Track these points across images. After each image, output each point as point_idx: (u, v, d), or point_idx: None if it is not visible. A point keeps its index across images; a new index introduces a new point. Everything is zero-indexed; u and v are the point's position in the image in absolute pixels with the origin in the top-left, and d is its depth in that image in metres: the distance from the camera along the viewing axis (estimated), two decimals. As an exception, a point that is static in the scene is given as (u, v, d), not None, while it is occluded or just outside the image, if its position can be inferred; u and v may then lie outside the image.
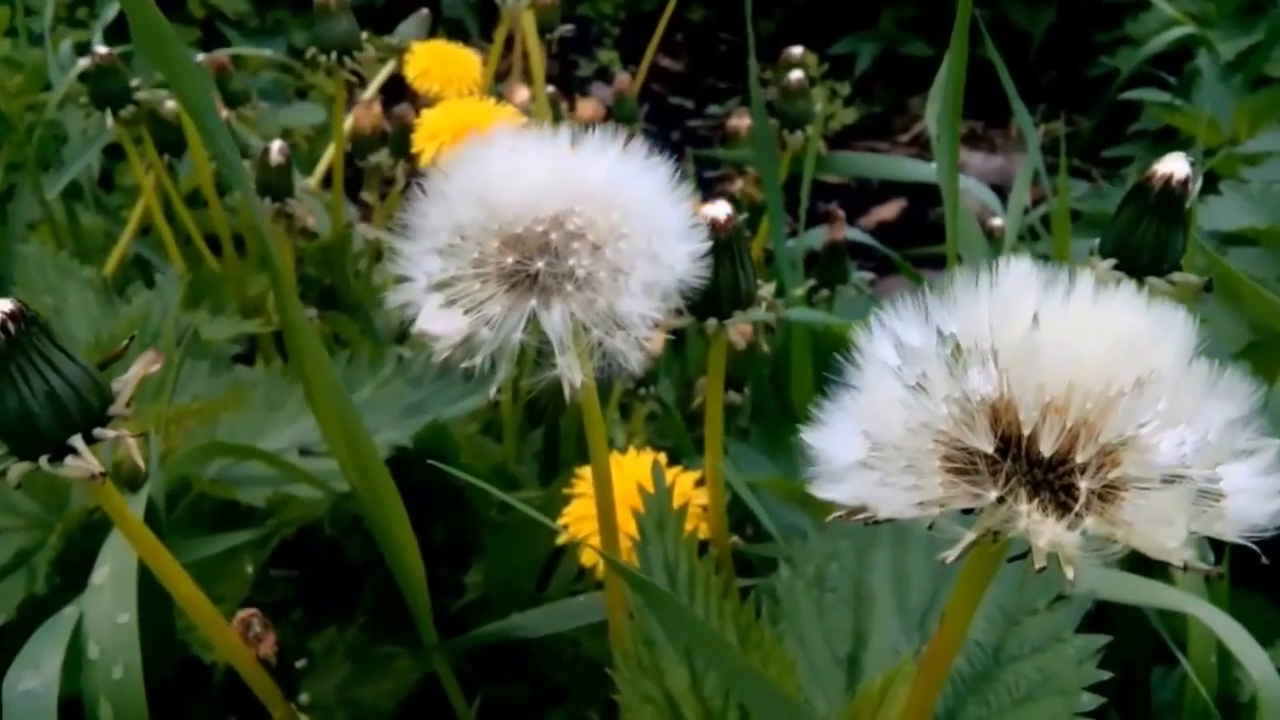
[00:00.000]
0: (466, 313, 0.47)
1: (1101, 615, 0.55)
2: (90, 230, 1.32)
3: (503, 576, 0.87)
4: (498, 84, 1.26)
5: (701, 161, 1.81)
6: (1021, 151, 1.91)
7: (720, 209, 0.59)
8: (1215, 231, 0.96)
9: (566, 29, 1.19)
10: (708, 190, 1.61)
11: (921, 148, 1.96)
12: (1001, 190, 1.23)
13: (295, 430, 0.83)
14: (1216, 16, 1.58)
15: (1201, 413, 0.35)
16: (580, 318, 0.47)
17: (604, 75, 2.17)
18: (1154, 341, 0.36)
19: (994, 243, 1.03)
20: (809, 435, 0.40)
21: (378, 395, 0.84)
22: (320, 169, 1.28)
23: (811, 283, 0.96)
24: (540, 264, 0.46)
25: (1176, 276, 0.59)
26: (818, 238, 1.09)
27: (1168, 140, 1.60)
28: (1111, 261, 0.59)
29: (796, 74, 1.02)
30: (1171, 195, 0.57)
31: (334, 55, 0.96)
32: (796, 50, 1.17)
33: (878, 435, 0.37)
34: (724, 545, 0.69)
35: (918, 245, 1.57)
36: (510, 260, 0.46)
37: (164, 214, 1.17)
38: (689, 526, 0.60)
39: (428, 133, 0.89)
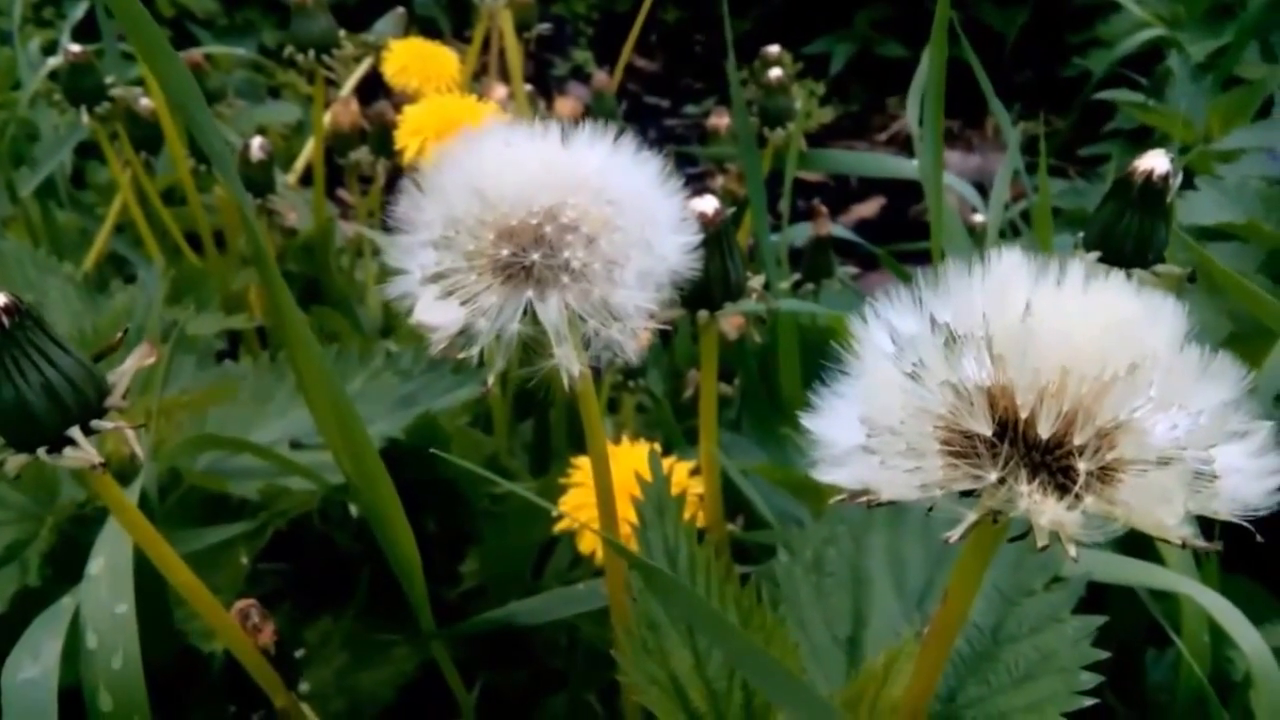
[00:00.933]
0: (463, 304, 0.48)
1: (1095, 598, 0.56)
2: (65, 227, 1.31)
3: (498, 565, 0.88)
4: (474, 82, 1.26)
5: (681, 159, 1.82)
6: (998, 150, 1.93)
7: (708, 203, 0.60)
8: (1193, 226, 0.98)
9: (544, 27, 1.20)
10: (689, 188, 1.61)
11: (899, 146, 1.98)
12: (979, 188, 1.25)
13: (285, 423, 0.83)
14: (1186, 19, 1.61)
15: (1194, 396, 0.36)
16: (576, 308, 0.47)
17: (579, 75, 2.17)
18: (1146, 327, 0.37)
19: (975, 238, 1.04)
20: (809, 421, 0.41)
21: (368, 387, 0.84)
22: (299, 165, 1.28)
23: (797, 276, 0.97)
24: (535, 256, 0.47)
25: (1160, 268, 0.60)
26: (800, 234, 1.10)
27: (1143, 139, 1.62)
28: (1096, 254, 0.60)
29: (776, 71, 1.03)
30: (1153, 189, 0.58)
31: (312, 53, 0.95)
32: (774, 48, 1.18)
33: (877, 420, 0.38)
34: (721, 531, 0.70)
35: (898, 242, 1.59)
36: (505, 252, 0.47)
37: (141, 211, 1.16)
38: (687, 514, 0.61)
39: (410, 129, 0.89)
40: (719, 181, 1.20)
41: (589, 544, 0.71)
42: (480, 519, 0.91)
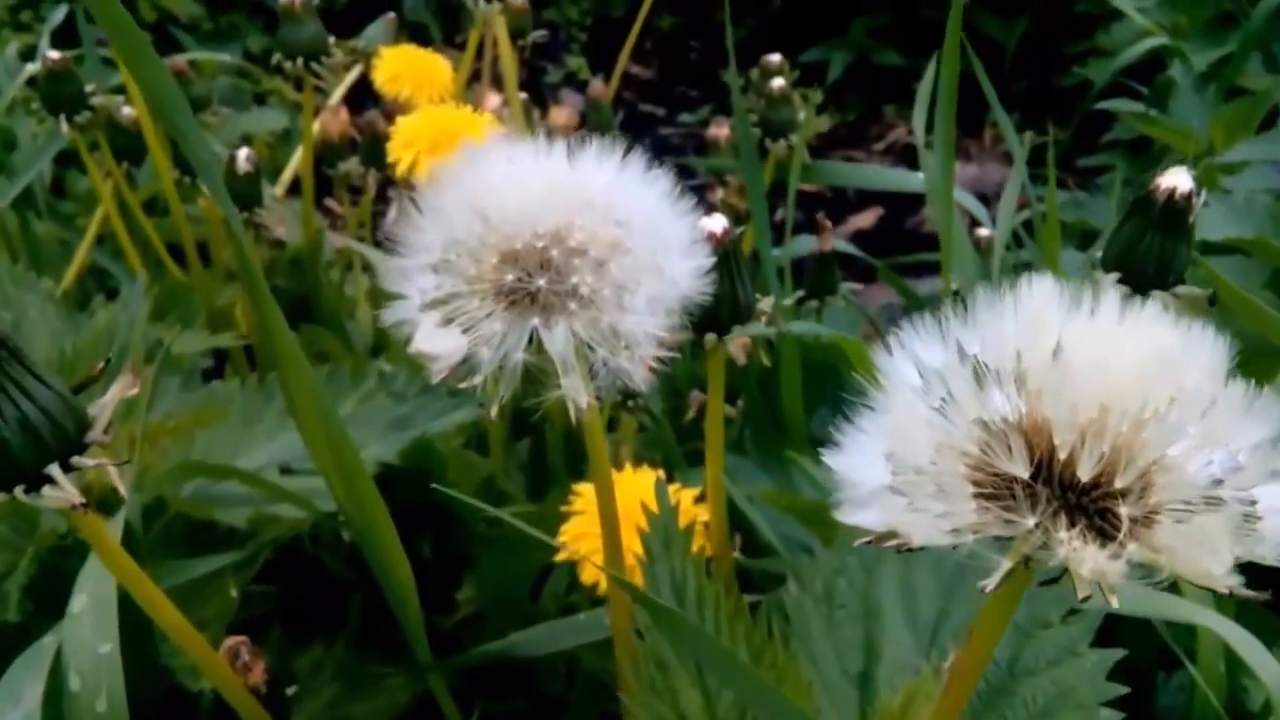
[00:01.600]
0: (464, 331, 0.46)
1: (1105, 622, 0.55)
2: (44, 238, 1.29)
3: (496, 591, 0.86)
4: (466, 90, 1.25)
5: (680, 170, 1.80)
6: (995, 160, 1.92)
7: (717, 222, 0.59)
8: (1201, 242, 0.97)
9: (539, 34, 1.18)
10: (690, 201, 1.60)
11: (897, 156, 1.97)
12: (978, 198, 1.23)
13: (274, 447, 0.81)
14: (1189, 28, 1.60)
15: (1237, 433, 0.35)
16: (584, 336, 0.46)
17: (572, 81, 2.16)
18: (1186, 360, 0.35)
19: (981, 252, 1.03)
20: (830, 459, 0.39)
21: (361, 410, 0.83)
22: (286, 176, 1.26)
23: (800, 293, 0.95)
24: (541, 281, 0.45)
25: (1181, 290, 0.59)
26: (803, 246, 1.09)
27: (1142, 149, 1.61)
28: (1115, 275, 0.59)
29: (779, 81, 1.02)
30: (1175, 209, 0.57)
31: (300, 61, 0.93)
32: (775, 57, 1.17)
33: (903, 458, 0.36)
34: (727, 559, 0.69)
35: (895, 253, 1.58)
36: (510, 277, 0.45)
37: (122, 223, 1.14)
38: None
39: (403, 141, 0.87)
40: (719, 194, 1.18)
41: (592, 575, 0.69)
42: (477, 543, 0.89)
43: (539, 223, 0.45)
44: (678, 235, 0.48)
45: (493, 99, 1.24)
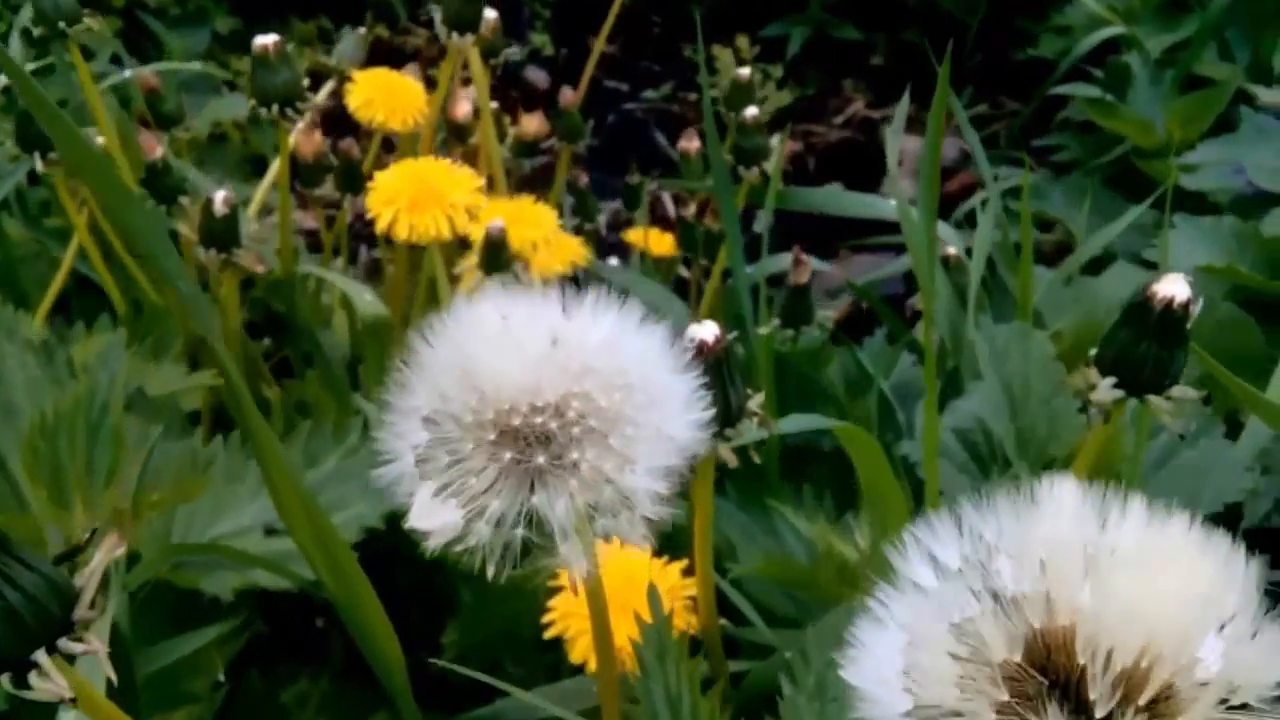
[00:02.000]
0: (461, 505, 0.42)
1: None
2: (17, 240, 1.23)
3: (480, 637, 0.83)
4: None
5: (651, 153, 1.75)
6: (950, 134, 1.87)
7: (708, 330, 0.55)
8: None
9: (511, 52, 1.12)
10: (664, 207, 1.57)
11: (855, 129, 1.92)
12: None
13: (256, 507, 0.77)
14: (1142, 12, 1.55)
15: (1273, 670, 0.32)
16: (584, 510, 0.42)
17: (536, 58, 2.08)
18: (1224, 591, 0.33)
19: (949, 270, 1.00)
20: (846, 673, 0.36)
21: (345, 465, 0.78)
22: (259, 195, 1.18)
23: (776, 322, 0.91)
24: (541, 458, 0.41)
25: (1175, 391, 0.56)
26: (774, 264, 1.05)
27: (1095, 128, 1.57)
28: (1112, 380, 0.56)
29: (752, 110, 0.97)
30: (1172, 318, 0.54)
31: (276, 108, 0.87)
32: (745, 71, 1.11)
33: (925, 696, 0.34)
34: (715, 642, 0.66)
35: (855, 231, 1.54)
36: (509, 456, 0.41)
37: (97, 239, 1.07)
38: (677, 620, 0.57)
39: (383, 198, 0.81)
40: (690, 209, 1.13)
41: (580, 655, 0.66)
42: (459, 581, 0.86)
43: (537, 395, 0.41)
44: (678, 392, 0.44)
45: (464, 106, 1.18)
